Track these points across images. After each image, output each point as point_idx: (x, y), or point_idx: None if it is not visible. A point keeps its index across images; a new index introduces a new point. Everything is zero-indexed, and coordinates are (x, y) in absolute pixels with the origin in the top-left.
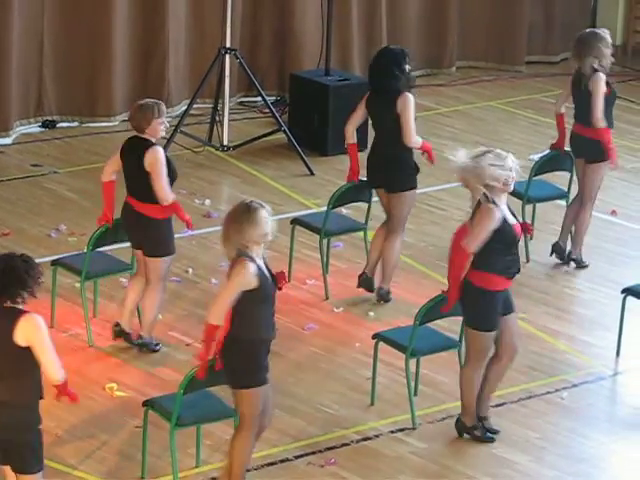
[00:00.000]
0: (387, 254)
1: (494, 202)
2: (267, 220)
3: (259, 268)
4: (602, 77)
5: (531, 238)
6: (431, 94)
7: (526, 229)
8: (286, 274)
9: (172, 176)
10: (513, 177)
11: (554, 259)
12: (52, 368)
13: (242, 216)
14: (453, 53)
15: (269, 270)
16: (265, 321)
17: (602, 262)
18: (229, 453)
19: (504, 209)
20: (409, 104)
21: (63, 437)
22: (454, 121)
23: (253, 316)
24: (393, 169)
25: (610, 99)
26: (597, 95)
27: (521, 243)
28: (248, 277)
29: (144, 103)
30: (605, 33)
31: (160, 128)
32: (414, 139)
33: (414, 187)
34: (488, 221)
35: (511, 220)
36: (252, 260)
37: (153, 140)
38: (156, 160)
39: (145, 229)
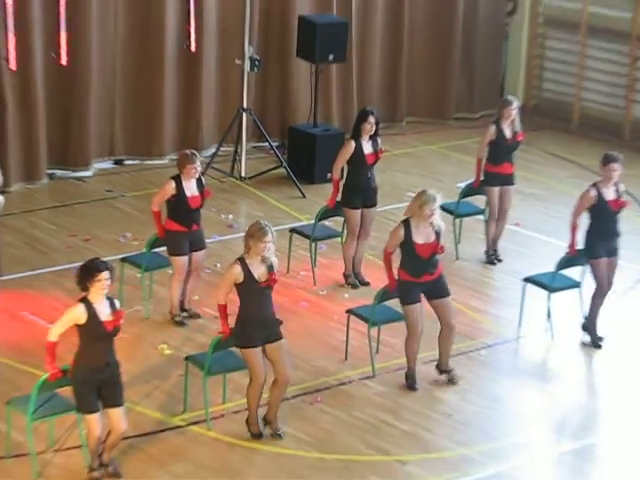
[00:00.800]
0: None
1: (407, 222)
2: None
3: (246, 266)
4: (489, 128)
5: (441, 252)
6: (388, 141)
7: (435, 248)
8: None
9: (184, 207)
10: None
11: (476, 257)
12: None
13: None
14: (403, 112)
15: (271, 268)
16: (250, 304)
17: (509, 259)
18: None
19: (415, 231)
20: (343, 147)
21: (128, 383)
22: (404, 160)
23: (241, 299)
24: None
25: (497, 144)
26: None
27: (452, 247)
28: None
29: (183, 153)
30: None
31: (192, 172)
32: (333, 171)
33: (348, 207)
34: (392, 234)
35: (419, 241)
36: (241, 262)
37: (185, 178)
38: (161, 186)
39: (164, 235)
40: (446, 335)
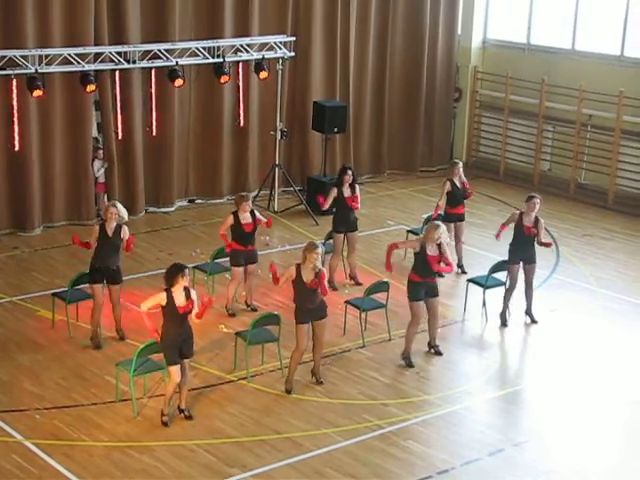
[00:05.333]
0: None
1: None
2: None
3: (300, 270)
4: (446, 183)
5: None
6: (373, 186)
7: (438, 259)
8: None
9: (241, 232)
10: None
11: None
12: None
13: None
14: (385, 166)
15: (318, 273)
16: (301, 296)
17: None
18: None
19: (429, 247)
20: (330, 191)
21: (198, 351)
22: (386, 199)
23: (295, 292)
24: None
25: (453, 193)
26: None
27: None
28: (289, 271)
29: (239, 195)
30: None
31: (245, 208)
32: (325, 204)
33: (335, 232)
34: (408, 241)
35: (430, 253)
36: (297, 265)
37: (240, 212)
38: (224, 217)
39: (231, 251)
40: (433, 325)
